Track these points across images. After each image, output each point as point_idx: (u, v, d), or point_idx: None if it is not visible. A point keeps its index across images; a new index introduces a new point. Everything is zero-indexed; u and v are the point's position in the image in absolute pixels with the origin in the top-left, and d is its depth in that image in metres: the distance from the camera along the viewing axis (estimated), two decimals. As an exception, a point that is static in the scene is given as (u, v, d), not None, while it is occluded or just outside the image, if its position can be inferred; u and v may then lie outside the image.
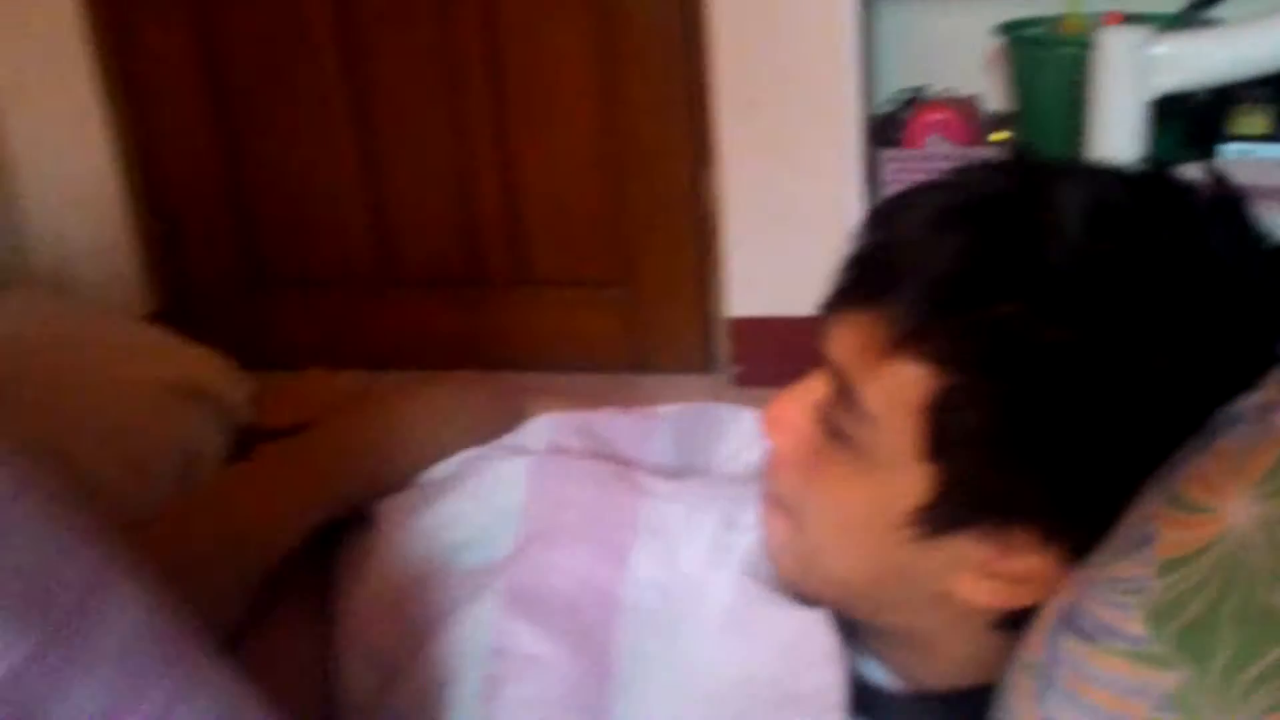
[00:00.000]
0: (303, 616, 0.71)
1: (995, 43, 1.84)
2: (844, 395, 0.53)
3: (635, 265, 1.97)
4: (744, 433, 0.80)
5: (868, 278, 0.54)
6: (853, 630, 0.60)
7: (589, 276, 1.99)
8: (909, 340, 0.50)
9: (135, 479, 0.81)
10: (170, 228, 2.01)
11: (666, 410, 0.83)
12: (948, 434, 0.50)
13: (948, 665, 0.57)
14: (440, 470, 0.76)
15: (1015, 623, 0.52)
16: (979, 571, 0.52)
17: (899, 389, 0.51)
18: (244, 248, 2.02)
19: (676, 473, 0.77)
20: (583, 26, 1.83)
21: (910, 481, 0.51)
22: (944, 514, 0.51)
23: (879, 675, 0.60)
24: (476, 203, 1.95)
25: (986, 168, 0.56)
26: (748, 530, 0.66)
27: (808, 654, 0.57)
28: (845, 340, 0.53)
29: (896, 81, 1.89)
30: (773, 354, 1.90)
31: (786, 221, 1.84)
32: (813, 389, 0.56)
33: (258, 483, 0.69)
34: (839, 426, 0.54)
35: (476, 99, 1.88)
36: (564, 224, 1.96)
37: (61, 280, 1.96)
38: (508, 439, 0.79)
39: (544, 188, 1.93)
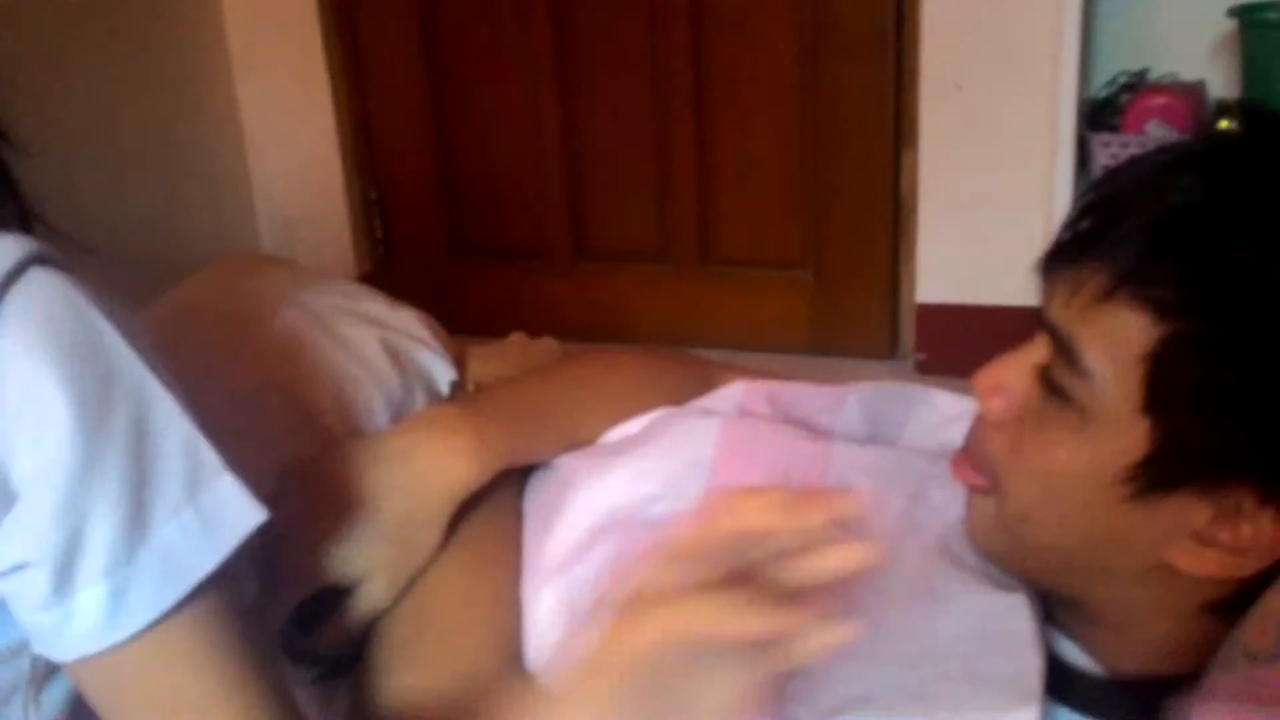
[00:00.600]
0: (480, 559, 0.74)
1: (1226, 26, 1.73)
2: (1064, 352, 0.52)
3: (825, 247, 1.95)
4: (936, 412, 0.79)
5: (1089, 230, 0.53)
6: (1050, 609, 0.59)
7: (777, 257, 1.99)
8: (1128, 282, 0.49)
9: (350, 430, 0.86)
10: (381, 196, 2.11)
11: (856, 386, 0.83)
12: (1167, 385, 0.49)
13: (1151, 649, 0.56)
14: (629, 428, 0.78)
15: (1228, 609, 0.51)
16: (1196, 539, 0.50)
17: (1118, 338, 0.50)
18: (446, 218, 2.10)
19: (862, 442, 0.77)
20: (789, 6, 1.82)
21: (1129, 437, 0.50)
22: (1161, 470, 0.50)
23: (1076, 656, 0.59)
24: (670, 180, 1.97)
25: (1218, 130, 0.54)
26: (938, 507, 0.66)
27: (1005, 638, 0.57)
28: (1063, 295, 0.53)
29: (1113, 65, 1.80)
30: (959, 342, 1.86)
31: (985, 207, 1.79)
32: (1032, 353, 0.56)
33: (431, 433, 0.72)
34: (1059, 384, 0.53)
35: (678, 77, 1.90)
36: (755, 204, 1.96)
37: (280, 242, 2.09)
38: (697, 402, 0.81)
39: (738, 167, 1.94)
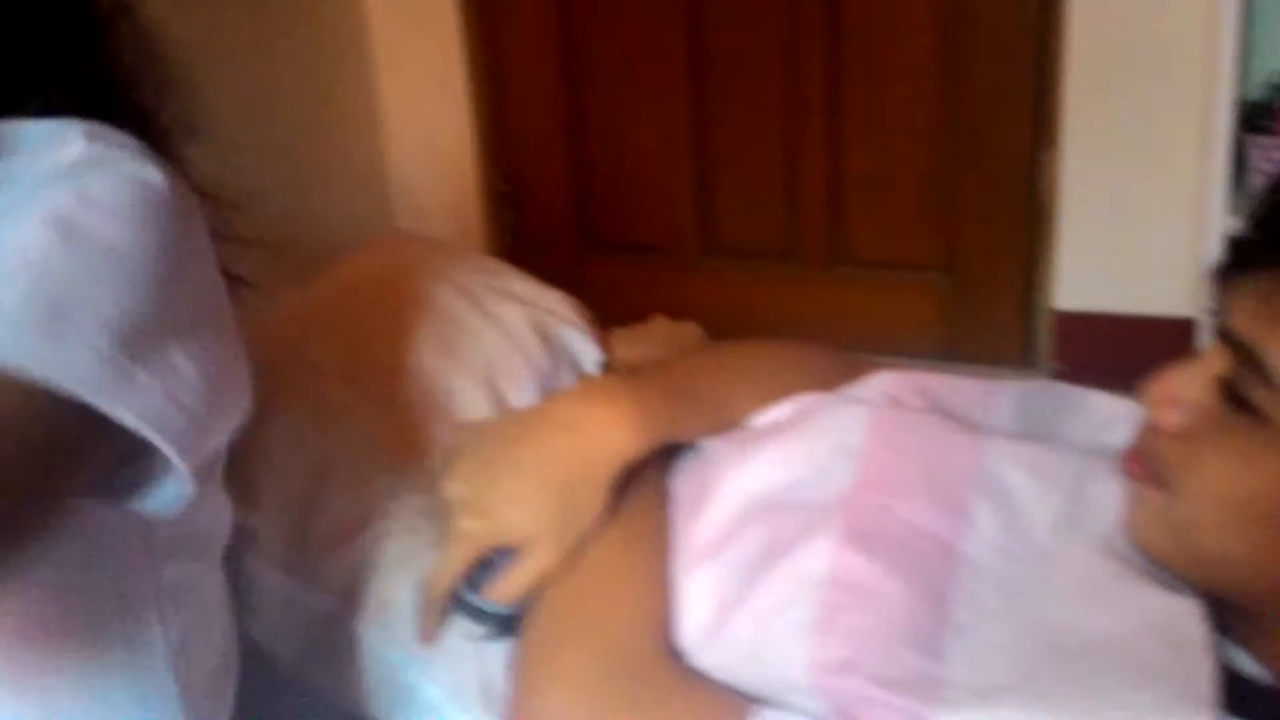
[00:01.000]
0: (633, 537, 0.74)
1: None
2: (1250, 364, 0.51)
3: (960, 250, 1.91)
4: (1094, 414, 0.77)
5: (1275, 235, 0.51)
6: (1220, 614, 0.57)
7: (910, 259, 1.96)
8: None
9: (495, 406, 0.88)
10: (513, 189, 2.15)
11: (1009, 383, 0.82)
12: None
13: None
14: (776, 414, 0.78)
15: None
16: None
17: None
18: (577, 211, 2.13)
19: (1017, 438, 0.75)
20: (928, 3, 1.79)
21: None
22: None
23: (1248, 666, 0.57)
24: (801, 178, 1.95)
25: None
26: (1098, 505, 0.64)
27: (1174, 638, 0.55)
28: (1248, 305, 0.51)
29: (1271, 63, 1.73)
30: (1098, 352, 1.81)
31: (1130, 212, 1.74)
32: (1210, 364, 0.54)
33: (597, 402, 0.73)
34: (1246, 397, 0.51)
35: (810, 73, 1.88)
36: (888, 203, 1.93)
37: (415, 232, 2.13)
38: (845, 389, 0.80)
39: (871, 165, 1.91)
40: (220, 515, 0.68)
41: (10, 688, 0.56)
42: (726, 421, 0.78)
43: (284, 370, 0.85)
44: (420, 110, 2.09)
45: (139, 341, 0.51)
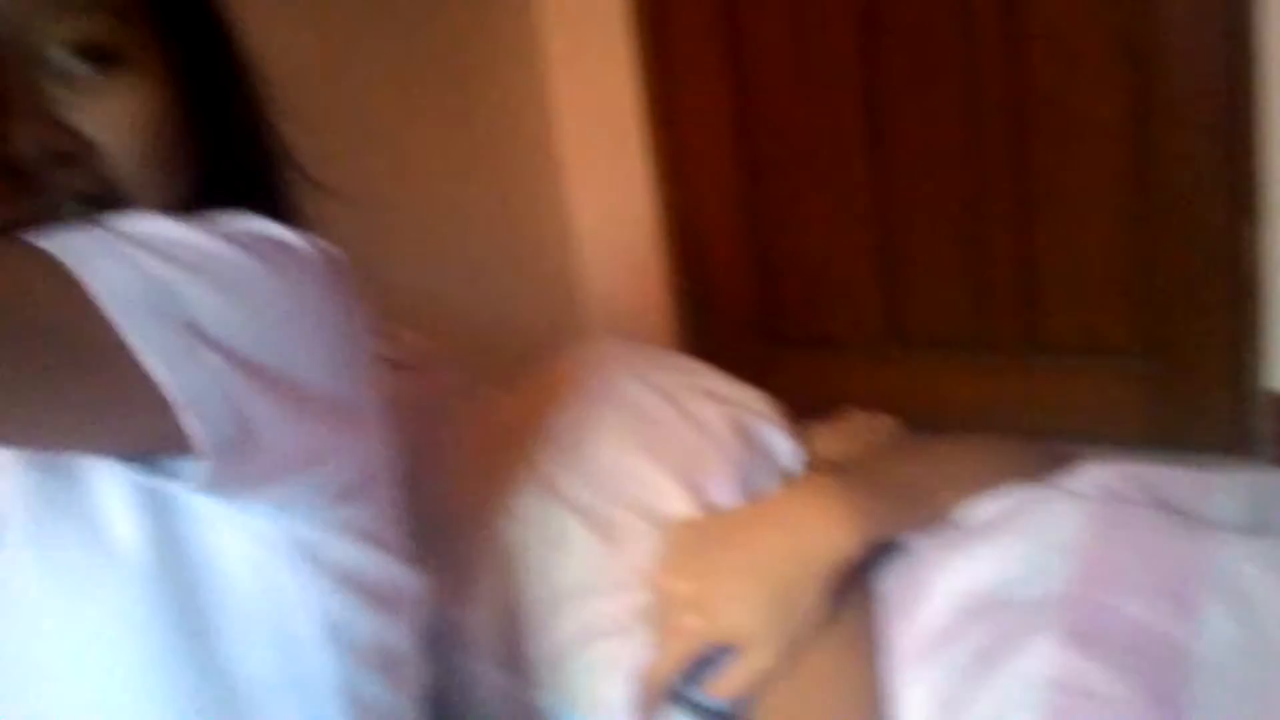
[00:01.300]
0: (847, 639, 0.74)
1: None
2: None
3: (1162, 331, 1.83)
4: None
5: None
6: None
7: (1110, 343, 1.89)
8: None
9: (697, 505, 0.89)
10: (696, 287, 2.19)
11: (1235, 472, 0.78)
12: None
13: None
14: (984, 509, 0.77)
15: None
16: None
17: None
18: (760, 306, 2.15)
19: (1248, 532, 0.72)
20: (1115, 73, 1.75)
21: None
22: None
23: None
24: (988, 262, 1.92)
25: None
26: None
27: None
28: None
29: None
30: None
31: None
32: None
33: (814, 502, 0.74)
34: None
35: (994, 156, 1.86)
36: (1083, 285, 1.88)
37: (601, 332, 2.20)
38: (1055, 482, 0.78)
39: (1063, 245, 1.86)
40: (400, 577, 0.68)
41: None
42: (935, 518, 0.78)
43: (495, 471, 0.89)
44: (605, 214, 2.17)
45: (219, 339, 0.54)
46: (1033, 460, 0.84)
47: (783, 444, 0.93)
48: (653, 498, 0.85)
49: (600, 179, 2.16)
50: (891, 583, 0.76)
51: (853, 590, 0.75)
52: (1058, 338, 1.92)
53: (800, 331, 2.14)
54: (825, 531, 0.71)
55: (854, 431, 0.99)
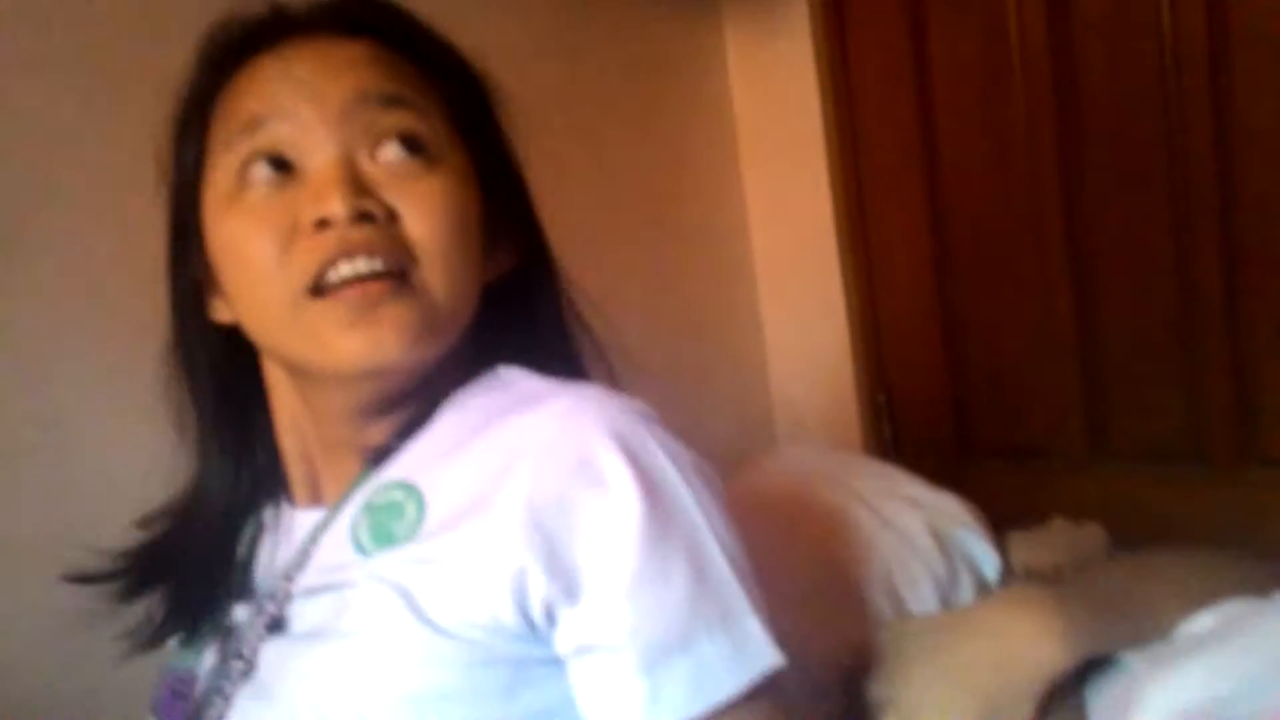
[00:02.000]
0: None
1: None
2: None
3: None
4: None
5: None
6: None
7: (1335, 455, 1.79)
8: None
9: (895, 610, 0.90)
10: (890, 397, 2.19)
11: None
12: None
13: None
14: (1199, 623, 0.75)
15: None
16: None
17: None
18: (955, 417, 2.13)
19: None
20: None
21: None
22: None
23: None
24: (1200, 370, 1.85)
25: None
26: None
27: None
28: None
29: None
30: None
31: None
32: None
33: (1024, 612, 0.74)
34: None
35: (1206, 259, 1.80)
36: (1306, 396, 1.79)
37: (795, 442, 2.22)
38: (1273, 596, 0.76)
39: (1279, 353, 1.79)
40: None
41: None
42: (1149, 631, 0.76)
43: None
44: (800, 325, 2.21)
45: None
46: (1250, 573, 0.82)
47: (982, 551, 0.93)
48: (854, 603, 0.87)
49: (794, 290, 2.20)
50: (1104, 699, 0.74)
51: (1063, 706, 0.74)
52: (1276, 450, 1.83)
53: (996, 441, 2.10)
54: (1036, 643, 0.71)
55: (1060, 541, 0.99)
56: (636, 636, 0.61)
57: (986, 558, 0.94)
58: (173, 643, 0.83)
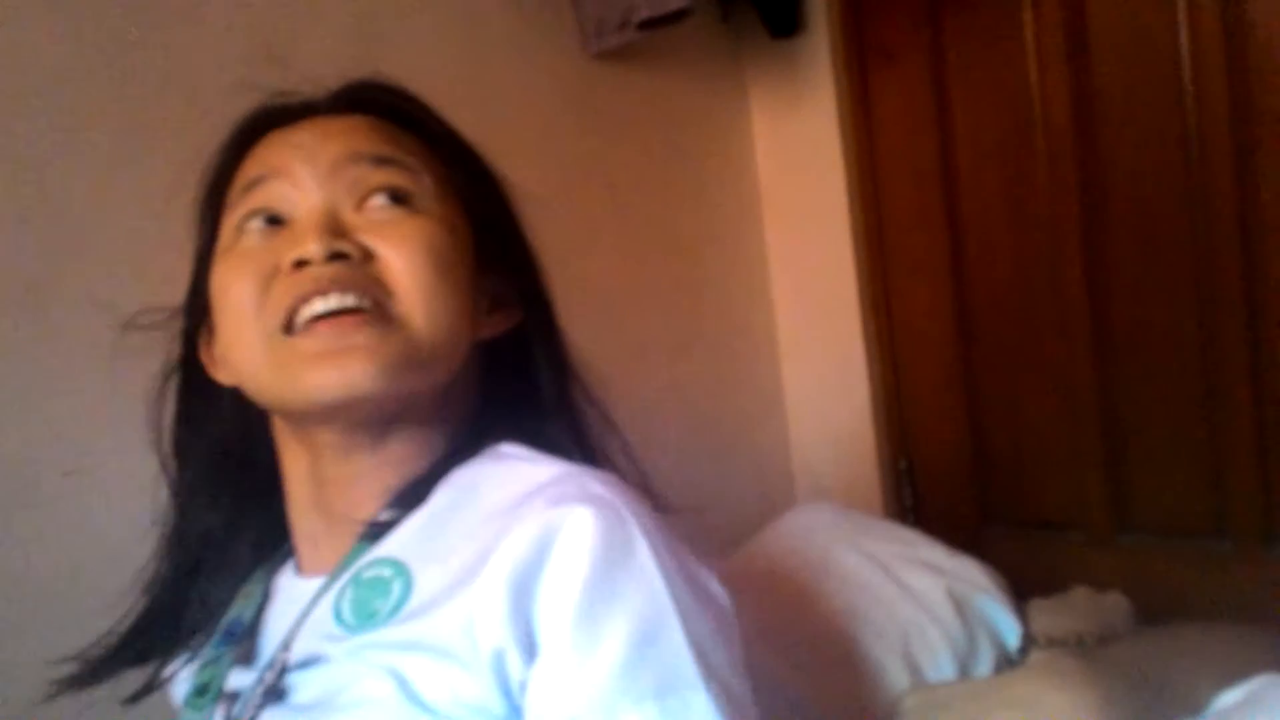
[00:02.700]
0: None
1: None
2: None
3: None
4: None
5: None
6: None
7: (1362, 535, 1.76)
8: None
9: (910, 677, 0.89)
10: (910, 465, 2.18)
11: None
12: None
13: None
14: (1228, 697, 0.74)
15: None
16: None
17: None
18: (976, 487, 2.11)
19: None
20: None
21: None
22: None
23: None
24: (1225, 445, 1.83)
25: None
26: None
27: None
28: None
29: None
30: None
31: None
32: None
33: (1052, 683, 0.73)
34: None
35: (1231, 336, 1.79)
36: (1332, 472, 1.77)
37: (813, 509, 2.20)
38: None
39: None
40: None
41: None
42: (1181, 706, 0.75)
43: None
44: (821, 391, 2.21)
45: None
46: (1277, 649, 0.80)
47: (1002, 617, 0.92)
48: (867, 667, 0.85)
49: (816, 356, 2.21)
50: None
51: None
52: (1301, 528, 1.80)
53: (1017, 512, 2.08)
54: (1070, 717, 0.70)
55: (1083, 609, 0.97)
56: (558, 706, 0.59)
57: (1008, 625, 0.92)
58: (181, 703, 0.82)
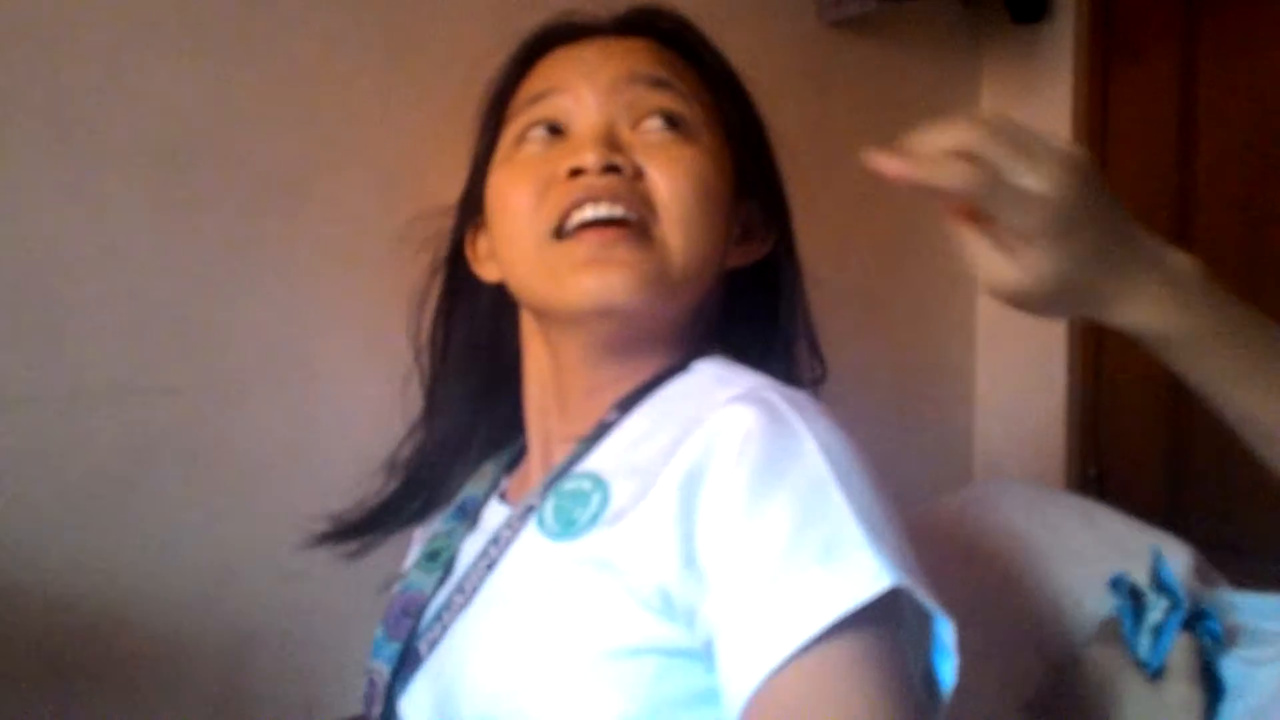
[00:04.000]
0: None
1: None
2: None
3: None
4: None
5: None
6: None
7: None
8: None
9: (1064, 651, 0.88)
10: (1100, 474, 2.12)
11: None
12: None
13: None
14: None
15: None
16: None
17: None
18: (1169, 506, 2.04)
19: None
20: None
21: None
22: None
23: None
24: None
25: None
26: None
27: None
28: None
29: None
30: None
31: None
32: None
33: None
34: None
35: None
36: None
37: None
38: None
39: None
40: None
41: None
42: None
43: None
44: (1015, 383, 2.17)
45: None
46: None
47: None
48: (1041, 632, 0.86)
49: (1014, 347, 2.16)
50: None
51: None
52: None
53: (1211, 535, 1.98)
54: None
55: None
56: (732, 583, 0.62)
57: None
58: (412, 564, 0.90)
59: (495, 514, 0.86)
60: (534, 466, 0.87)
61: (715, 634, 0.62)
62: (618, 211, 0.75)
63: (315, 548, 0.93)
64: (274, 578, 1.23)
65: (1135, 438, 2.07)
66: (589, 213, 0.76)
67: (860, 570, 0.60)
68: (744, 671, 0.60)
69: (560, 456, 0.80)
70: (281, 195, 1.28)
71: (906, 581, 0.61)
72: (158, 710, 1.18)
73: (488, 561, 0.78)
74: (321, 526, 0.93)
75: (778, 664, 0.59)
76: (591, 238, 0.76)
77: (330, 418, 1.30)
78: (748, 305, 0.86)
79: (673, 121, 0.80)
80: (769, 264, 0.87)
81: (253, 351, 1.26)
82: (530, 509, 0.77)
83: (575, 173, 0.77)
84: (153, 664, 1.18)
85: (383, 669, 0.82)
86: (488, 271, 0.88)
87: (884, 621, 0.61)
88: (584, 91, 0.80)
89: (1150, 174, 2.02)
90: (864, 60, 1.96)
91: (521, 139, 0.82)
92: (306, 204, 1.29)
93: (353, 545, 0.93)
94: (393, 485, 0.93)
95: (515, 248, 0.80)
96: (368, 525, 0.93)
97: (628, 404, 0.80)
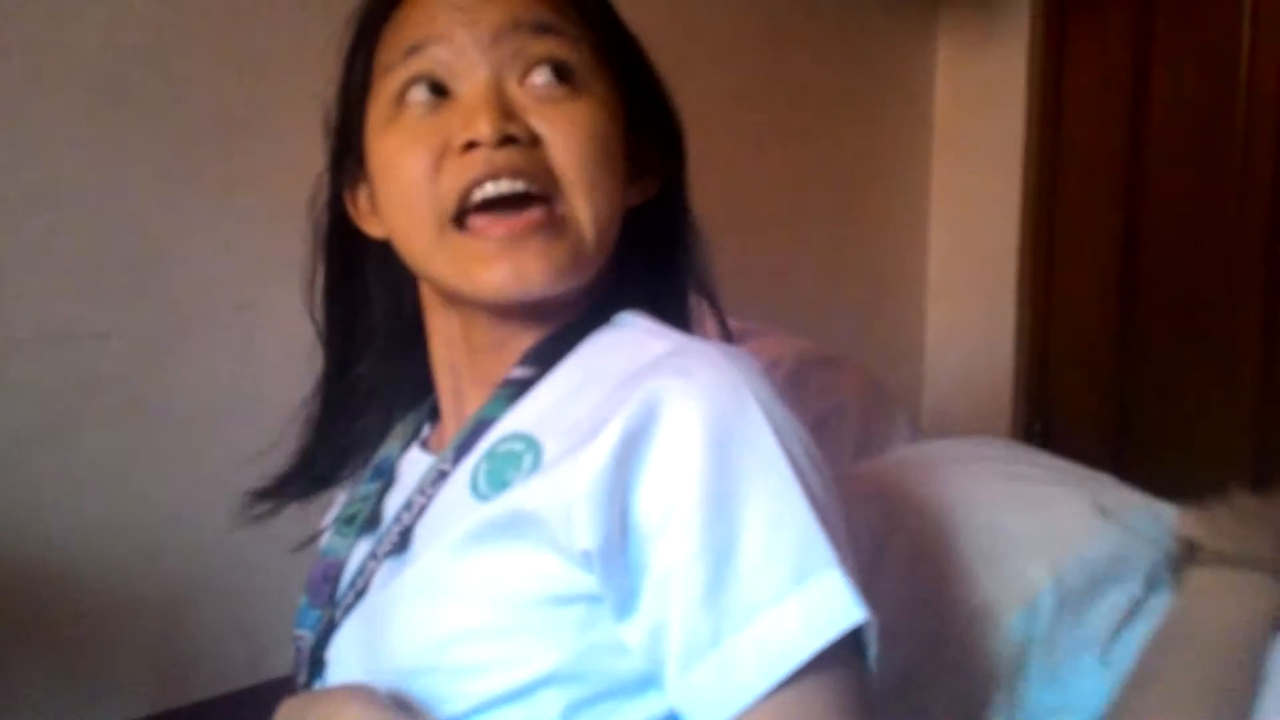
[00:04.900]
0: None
1: None
2: None
3: None
4: None
5: None
6: None
7: None
8: None
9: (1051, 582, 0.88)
10: (1045, 429, 2.14)
11: None
12: None
13: None
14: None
15: None
16: None
17: None
18: (1113, 465, 2.05)
19: None
20: None
21: None
22: None
23: None
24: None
25: None
26: None
27: None
28: None
29: None
30: None
31: None
32: None
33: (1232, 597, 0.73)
34: None
35: None
36: None
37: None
38: None
39: None
40: None
41: None
42: None
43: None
44: (964, 337, 2.18)
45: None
46: None
47: (1151, 527, 0.91)
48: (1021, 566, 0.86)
49: (964, 300, 2.17)
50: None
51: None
52: None
53: (1152, 490, 2.02)
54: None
55: (1245, 515, 0.93)
56: (688, 604, 0.60)
57: (1158, 531, 0.91)
58: (330, 530, 0.87)
59: (416, 463, 0.83)
60: (447, 423, 0.84)
61: (670, 649, 0.61)
62: (519, 186, 0.72)
63: (249, 506, 0.89)
64: (217, 531, 1.20)
65: (1082, 394, 2.09)
66: (490, 189, 0.72)
67: (832, 597, 0.59)
68: (710, 707, 0.60)
69: (472, 410, 0.78)
70: (220, 132, 1.23)
71: (868, 616, 0.60)
72: (95, 667, 1.14)
73: (414, 511, 0.76)
74: (250, 485, 0.89)
75: (750, 703, 0.59)
76: (499, 232, 0.72)
77: (273, 359, 1.26)
78: (643, 236, 0.83)
79: (562, 73, 0.75)
80: (664, 200, 0.84)
81: (190, 293, 1.21)
82: (443, 475, 0.75)
83: (470, 145, 0.73)
84: (91, 619, 1.14)
85: (307, 636, 0.80)
86: (373, 227, 0.84)
87: (846, 643, 0.60)
88: (465, 43, 0.75)
89: (1105, 124, 2.02)
90: (825, 15, 1.93)
91: (402, 99, 0.77)
92: (245, 141, 1.24)
93: (264, 507, 0.89)
94: (298, 447, 0.89)
95: (410, 224, 0.76)
96: (282, 490, 0.89)
97: (545, 358, 0.77)
